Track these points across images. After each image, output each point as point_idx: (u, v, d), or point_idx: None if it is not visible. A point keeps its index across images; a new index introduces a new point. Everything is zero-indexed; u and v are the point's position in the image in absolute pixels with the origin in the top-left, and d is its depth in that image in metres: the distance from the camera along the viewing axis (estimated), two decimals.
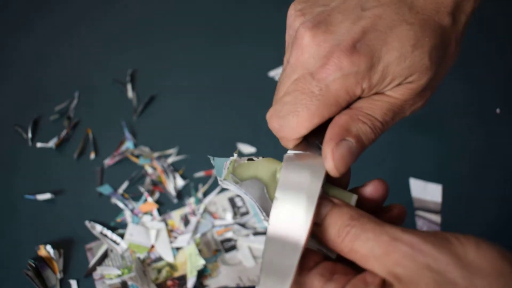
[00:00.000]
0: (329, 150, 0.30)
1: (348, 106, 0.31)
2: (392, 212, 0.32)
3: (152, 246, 0.56)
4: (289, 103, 0.31)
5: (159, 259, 0.55)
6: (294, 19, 0.33)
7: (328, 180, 0.32)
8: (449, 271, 0.25)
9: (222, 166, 0.33)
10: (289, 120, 0.30)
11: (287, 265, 0.28)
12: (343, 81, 0.29)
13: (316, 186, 0.30)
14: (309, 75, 0.30)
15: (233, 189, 0.32)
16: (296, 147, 0.33)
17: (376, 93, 0.31)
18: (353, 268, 0.29)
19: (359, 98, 0.31)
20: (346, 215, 0.28)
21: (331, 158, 0.30)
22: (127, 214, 0.58)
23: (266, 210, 0.31)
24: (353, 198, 0.31)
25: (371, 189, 0.32)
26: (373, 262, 0.27)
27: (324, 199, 0.29)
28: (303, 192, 0.29)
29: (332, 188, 0.32)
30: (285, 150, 0.33)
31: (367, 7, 0.31)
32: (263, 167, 0.32)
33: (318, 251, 0.31)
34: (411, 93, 0.31)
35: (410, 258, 0.26)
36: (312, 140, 0.33)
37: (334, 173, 0.30)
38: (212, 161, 0.33)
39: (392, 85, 0.31)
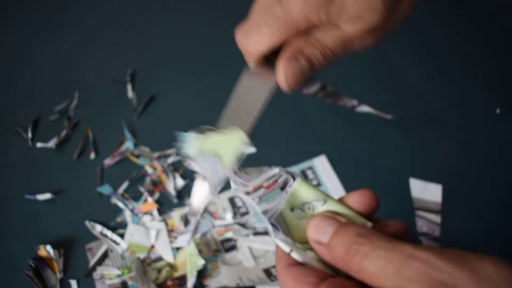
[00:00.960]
0: (281, 65, 0.34)
1: (305, 33, 0.35)
2: (388, 229, 0.31)
3: (152, 246, 0.56)
4: (254, 21, 0.35)
5: (159, 259, 0.55)
6: None
7: (346, 204, 0.32)
8: None
9: (186, 139, 0.35)
10: (252, 35, 0.35)
11: (251, 108, 0.34)
12: (304, 6, 0.33)
13: (266, 87, 0.35)
14: (276, 1, 0.34)
15: (192, 165, 0.35)
16: (258, 65, 0.37)
17: (331, 24, 0.34)
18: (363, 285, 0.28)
19: (316, 27, 0.34)
20: (353, 232, 0.28)
21: (283, 72, 0.34)
22: (127, 214, 0.58)
23: (215, 183, 0.34)
24: (367, 225, 0.30)
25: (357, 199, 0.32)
26: (384, 280, 0.26)
27: (331, 218, 0.29)
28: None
29: (346, 211, 0.31)
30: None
31: None
32: (223, 139, 0.35)
33: None
34: (361, 29, 0.34)
35: (425, 275, 0.25)
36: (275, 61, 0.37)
37: (284, 86, 0.35)
38: (177, 136, 0.36)
39: (345, 18, 0.34)
